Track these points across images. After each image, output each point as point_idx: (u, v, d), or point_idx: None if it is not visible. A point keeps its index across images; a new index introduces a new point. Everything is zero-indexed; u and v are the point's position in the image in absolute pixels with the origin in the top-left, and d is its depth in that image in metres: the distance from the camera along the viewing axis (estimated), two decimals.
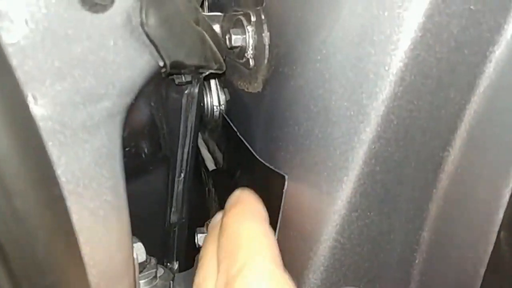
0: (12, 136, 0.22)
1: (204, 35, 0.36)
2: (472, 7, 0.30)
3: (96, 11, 0.27)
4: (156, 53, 0.31)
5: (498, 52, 0.32)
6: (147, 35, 0.30)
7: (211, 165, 0.66)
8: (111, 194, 0.31)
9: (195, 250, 0.61)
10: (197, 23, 0.36)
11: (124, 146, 0.34)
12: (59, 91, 0.27)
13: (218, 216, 0.43)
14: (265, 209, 0.38)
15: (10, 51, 0.24)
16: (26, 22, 0.25)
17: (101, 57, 0.28)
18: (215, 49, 0.37)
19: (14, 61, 0.25)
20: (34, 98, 0.26)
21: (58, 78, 0.27)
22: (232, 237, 0.35)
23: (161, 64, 0.32)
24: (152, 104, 0.39)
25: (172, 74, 0.38)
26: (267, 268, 0.33)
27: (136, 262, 0.35)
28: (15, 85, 0.24)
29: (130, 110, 0.33)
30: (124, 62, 0.30)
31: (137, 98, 0.32)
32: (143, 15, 0.29)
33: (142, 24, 0.29)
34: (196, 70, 0.38)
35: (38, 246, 0.23)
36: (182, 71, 0.37)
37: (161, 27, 0.30)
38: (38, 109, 0.26)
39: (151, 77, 0.32)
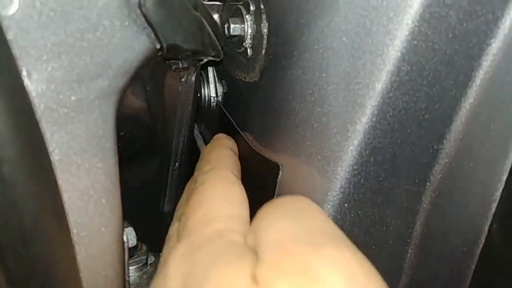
0: (3, 106, 0.21)
1: (202, 21, 0.35)
2: None
3: None
4: (153, 36, 0.31)
5: (495, 45, 0.32)
6: (145, 17, 0.30)
7: None
8: (103, 175, 0.31)
9: None
10: (196, 9, 0.36)
11: (118, 130, 0.34)
12: (54, 68, 0.27)
13: None
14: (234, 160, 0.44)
15: (5, 24, 0.24)
16: None
17: (97, 37, 0.28)
18: (213, 36, 0.37)
19: (9, 35, 0.24)
20: (29, 73, 0.26)
21: (54, 55, 0.27)
22: (203, 159, 0.42)
23: (158, 46, 0.31)
24: (148, 89, 0.39)
25: (169, 59, 0.38)
26: (229, 174, 0.38)
27: (126, 246, 0.35)
28: (10, 58, 0.24)
29: (126, 93, 0.33)
30: (120, 42, 0.29)
31: (132, 80, 0.32)
32: None
33: (140, 5, 0.29)
34: (193, 55, 0.38)
35: (24, 215, 0.22)
36: (179, 56, 0.37)
37: (159, 9, 0.30)
38: (32, 84, 0.26)
39: (147, 60, 0.32)
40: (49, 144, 0.27)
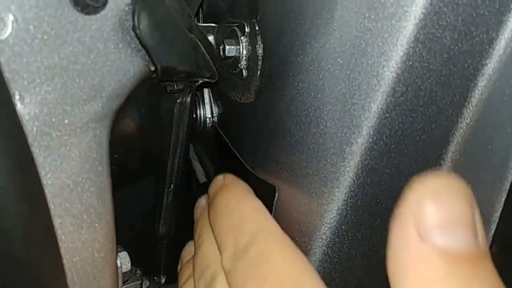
0: None
1: (197, 42, 0.35)
2: (465, 19, 0.30)
3: (88, 13, 0.27)
4: (147, 58, 0.31)
5: (490, 66, 0.32)
6: (139, 39, 0.30)
7: (202, 178, 0.65)
8: (97, 200, 0.30)
9: None
10: (190, 31, 0.35)
11: (112, 153, 0.33)
12: (48, 91, 0.27)
13: (202, 201, 0.43)
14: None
15: None
16: (16, 20, 0.25)
17: (91, 60, 0.28)
18: (207, 57, 0.37)
19: (2, 58, 0.24)
20: (21, 97, 0.26)
21: (47, 78, 0.27)
22: (233, 213, 0.35)
23: (152, 69, 0.31)
24: (143, 111, 0.39)
25: (164, 81, 0.38)
26: (281, 234, 0.32)
27: (120, 271, 0.34)
28: (2, 82, 0.24)
29: (120, 115, 0.32)
30: (114, 65, 0.29)
31: (126, 102, 0.32)
32: (136, 19, 0.29)
33: (134, 28, 0.29)
34: (188, 77, 0.37)
35: (14, 242, 0.22)
36: (174, 78, 0.37)
37: (154, 32, 0.30)
38: (25, 108, 0.26)
39: (141, 82, 0.31)
40: (42, 168, 0.27)
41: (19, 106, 0.26)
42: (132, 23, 0.29)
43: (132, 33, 0.29)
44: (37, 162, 0.27)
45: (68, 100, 0.28)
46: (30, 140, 0.26)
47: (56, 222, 0.28)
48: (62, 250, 0.28)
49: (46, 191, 0.27)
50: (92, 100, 0.29)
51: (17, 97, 0.25)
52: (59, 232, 0.28)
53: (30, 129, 0.26)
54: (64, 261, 0.29)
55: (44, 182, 0.27)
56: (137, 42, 0.30)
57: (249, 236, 0.32)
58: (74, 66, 0.27)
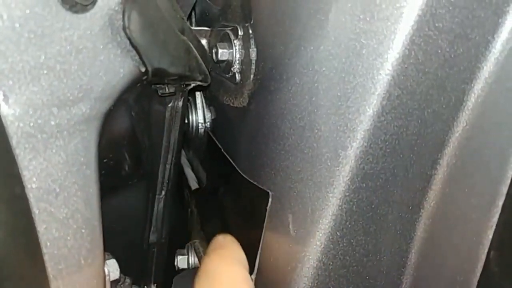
0: None
1: (189, 45, 0.35)
2: (461, 21, 0.30)
3: (76, 11, 0.27)
4: (137, 59, 0.30)
5: (486, 69, 0.31)
6: (129, 39, 0.29)
7: (194, 184, 0.65)
8: (83, 205, 0.29)
9: (174, 273, 0.59)
10: (183, 33, 0.35)
11: (101, 157, 0.33)
12: (33, 92, 0.26)
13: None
14: (244, 256, 0.41)
15: None
16: (1, 18, 0.24)
17: (79, 60, 0.27)
18: (200, 60, 0.36)
19: None
20: (5, 96, 0.25)
21: (33, 78, 0.26)
22: (214, 281, 0.37)
23: (143, 70, 0.30)
24: (133, 114, 0.38)
25: (155, 83, 0.37)
26: None
27: (107, 279, 0.33)
28: None
29: (109, 118, 0.31)
30: (103, 66, 0.28)
31: (116, 105, 0.31)
32: (126, 18, 0.28)
33: (124, 28, 0.28)
34: (180, 80, 0.37)
35: None
36: (166, 80, 0.36)
37: (144, 32, 0.29)
38: (8, 108, 0.25)
39: (131, 84, 0.31)
40: (26, 171, 0.26)
41: (3, 106, 0.25)
42: (122, 23, 0.28)
43: (122, 33, 0.29)
44: (21, 165, 0.26)
45: (55, 101, 0.27)
46: (14, 142, 0.25)
47: (41, 227, 0.27)
48: (46, 257, 0.27)
49: (31, 195, 0.26)
50: (80, 101, 0.28)
51: (1, 97, 0.24)
52: (44, 238, 0.27)
53: (15, 130, 0.25)
54: (49, 269, 0.28)
55: (28, 185, 0.26)
56: (128, 42, 0.29)
57: None
58: (61, 66, 0.26)
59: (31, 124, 0.26)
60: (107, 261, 0.35)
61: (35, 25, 0.26)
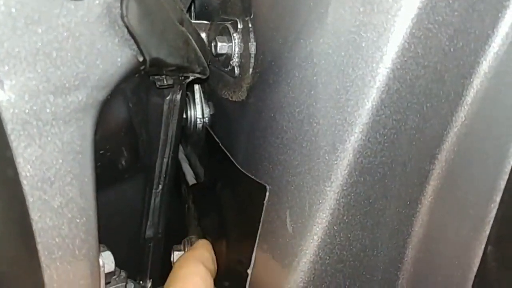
0: None
1: (188, 36, 0.35)
2: (461, 15, 0.30)
3: None
4: (135, 48, 0.30)
5: (486, 63, 0.31)
6: (127, 28, 0.29)
7: (192, 180, 0.64)
8: (78, 194, 0.29)
9: (171, 268, 0.58)
10: (182, 24, 0.35)
11: (98, 149, 0.32)
12: (29, 78, 0.26)
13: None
14: (210, 256, 0.49)
15: None
16: None
17: (76, 47, 0.27)
18: (199, 51, 0.36)
19: None
20: (1, 82, 0.24)
21: (28, 64, 0.25)
22: (173, 274, 0.46)
23: (141, 59, 0.30)
24: (131, 105, 0.38)
25: (153, 74, 0.37)
26: None
27: (102, 270, 0.33)
28: None
29: (106, 108, 0.31)
30: (100, 54, 0.28)
31: (114, 95, 0.31)
32: (124, 7, 0.28)
33: (122, 16, 0.28)
34: (178, 71, 0.36)
35: None
36: (164, 71, 0.36)
37: (143, 21, 0.29)
38: (4, 94, 0.25)
39: (129, 73, 0.30)
40: (21, 158, 0.26)
41: None
42: (120, 11, 0.28)
43: (120, 22, 0.28)
44: (16, 151, 0.25)
45: (51, 88, 0.27)
46: (8, 128, 0.25)
47: (35, 216, 0.27)
48: (40, 246, 0.27)
49: (25, 182, 0.26)
50: (76, 89, 0.28)
51: None
52: (38, 226, 0.27)
53: (10, 117, 0.25)
54: (42, 258, 0.27)
55: (23, 173, 0.26)
56: (126, 31, 0.29)
57: None
58: (57, 52, 0.26)
59: (27, 111, 0.26)
60: (102, 253, 0.35)
61: (32, 11, 0.25)
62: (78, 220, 0.29)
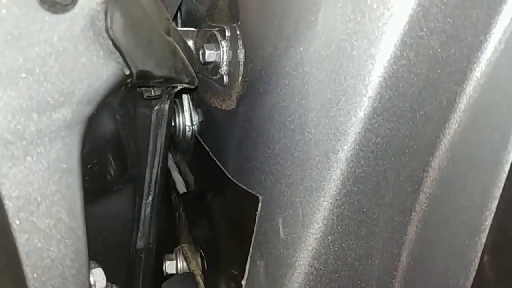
0: None
1: (175, 46, 0.34)
2: (453, 21, 0.30)
3: (55, 12, 0.25)
4: (121, 61, 0.29)
5: (478, 70, 0.31)
6: (112, 41, 0.28)
7: (182, 188, 0.63)
8: (67, 213, 0.28)
9: (163, 278, 0.58)
10: (168, 34, 0.34)
11: (85, 163, 0.31)
12: (11, 97, 0.25)
13: None
14: None
15: None
16: None
17: (59, 62, 0.26)
18: (186, 61, 0.35)
19: None
20: None
21: (10, 82, 0.25)
22: None
23: (127, 73, 0.29)
24: (118, 118, 0.37)
25: (140, 86, 0.36)
26: None
27: None
28: None
29: (93, 122, 0.30)
30: (85, 68, 0.27)
31: (100, 109, 0.30)
32: (108, 19, 0.27)
33: (106, 28, 0.27)
34: (166, 82, 0.36)
35: None
36: (151, 83, 0.35)
37: (128, 33, 0.28)
38: None
39: (115, 87, 0.29)
40: (5, 179, 0.25)
41: None
42: (104, 23, 0.27)
43: (105, 34, 0.28)
44: (0, 173, 0.24)
45: (35, 106, 0.26)
46: None
47: (22, 239, 0.26)
48: (28, 269, 0.26)
49: (11, 204, 0.25)
50: (61, 106, 0.27)
51: None
52: (25, 249, 0.26)
53: None
54: (32, 281, 0.26)
55: (7, 195, 0.25)
56: (110, 44, 0.28)
57: None
58: (40, 69, 0.25)
59: (10, 131, 0.25)
60: (93, 270, 0.34)
61: (12, 26, 0.24)
62: (67, 240, 0.28)
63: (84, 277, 0.30)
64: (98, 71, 0.28)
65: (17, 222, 0.26)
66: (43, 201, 0.27)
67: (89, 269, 0.31)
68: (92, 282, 0.32)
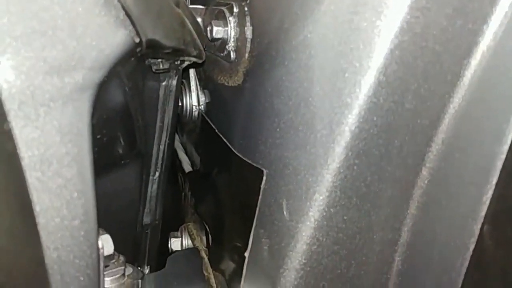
0: None
1: (184, 18, 0.34)
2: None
3: None
4: (132, 29, 0.30)
5: (484, 43, 0.31)
6: (123, 8, 0.28)
7: (188, 168, 0.64)
8: (76, 176, 0.29)
9: (168, 255, 0.59)
10: (177, 6, 0.34)
11: (95, 133, 0.32)
12: (25, 58, 0.25)
13: None
14: None
15: None
16: None
17: (71, 26, 0.27)
18: (194, 34, 0.36)
19: None
20: None
21: (24, 43, 0.25)
22: None
23: (137, 41, 0.30)
24: (127, 90, 0.38)
25: (149, 57, 0.37)
26: None
27: (101, 253, 0.33)
28: None
29: (103, 92, 0.31)
30: (96, 33, 0.28)
31: (110, 78, 0.31)
32: None
33: None
34: (174, 54, 0.36)
35: None
36: (160, 54, 0.35)
37: (138, 1, 0.29)
38: (0, 74, 0.24)
39: (125, 55, 0.30)
40: (19, 139, 0.26)
41: None
42: None
43: (116, 2, 0.28)
44: (14, 132, 0.25)
45: (47, 68, 0.26)
46: (6, 108, 0.25)
47: (34, 196, 0.26)
48: (40, 227, 0.27)
49: (23, 163, 0.26)
50: (72, 70, 0.27)
51: None
52: (36, 207, 0.27)
53: (6, 96, 0.25)
54: (43, 238, 0.27)
55: (20, 154, 0.26)
56: (122, 12, 0.29)
57: None
58: (53, 31, 0.26)
59: (23, 91, 0.26)
60: (101, 236, 0.35)
61: None
62: (76, 202, 0.29)
63: (92, 239, 0.31)
64: (109, 37, 0.29)
65: (29, 180, 0.26)
66: (54, 162, 0.28)
67: (97, 233, 0.32)
68: (100, 246, 0.33)
